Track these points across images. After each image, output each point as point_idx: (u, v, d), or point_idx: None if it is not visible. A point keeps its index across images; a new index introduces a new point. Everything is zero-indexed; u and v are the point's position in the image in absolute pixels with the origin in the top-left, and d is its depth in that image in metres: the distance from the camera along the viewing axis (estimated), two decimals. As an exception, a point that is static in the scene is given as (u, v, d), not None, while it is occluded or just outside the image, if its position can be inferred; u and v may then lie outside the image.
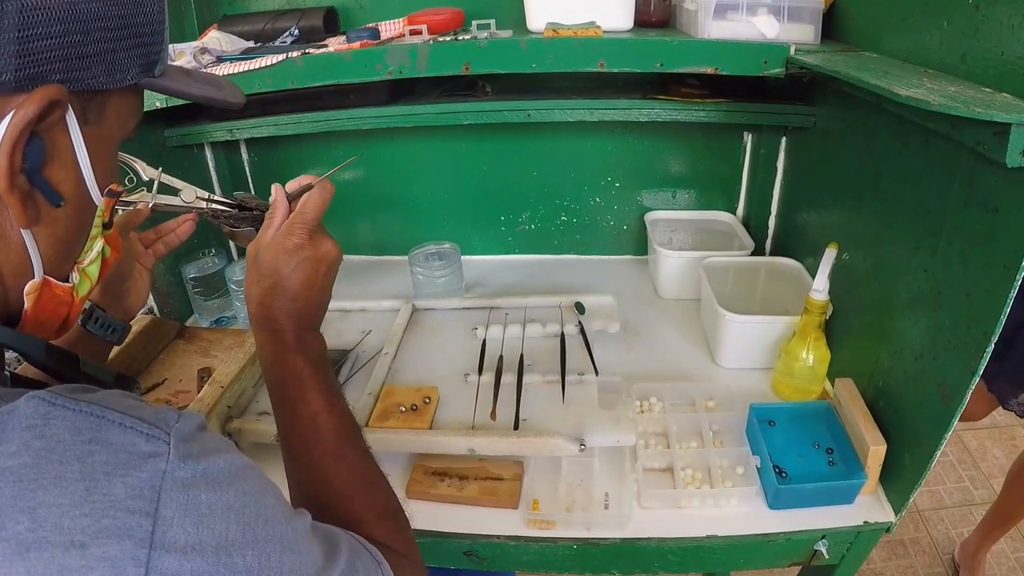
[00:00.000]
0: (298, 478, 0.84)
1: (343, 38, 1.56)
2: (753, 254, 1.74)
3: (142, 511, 0.48)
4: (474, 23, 1.45)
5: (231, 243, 2.02)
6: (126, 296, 1.11)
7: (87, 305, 1.04)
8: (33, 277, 0.60)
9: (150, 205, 0.99)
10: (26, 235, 0.57)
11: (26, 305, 0.61)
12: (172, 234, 1.17)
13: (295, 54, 1.43)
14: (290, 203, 0.93)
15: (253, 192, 1.93)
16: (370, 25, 1.57)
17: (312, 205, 0.90)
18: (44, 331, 0.66)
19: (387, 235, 2.09)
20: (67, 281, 0.66)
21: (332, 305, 1.72)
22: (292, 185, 0.94)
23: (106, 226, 0.69)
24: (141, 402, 0.55)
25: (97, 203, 0.64)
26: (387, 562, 0.70)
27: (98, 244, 0.69)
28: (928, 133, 1.07)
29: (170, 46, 1.52)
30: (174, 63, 0.75)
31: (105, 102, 0.60)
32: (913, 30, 1.17)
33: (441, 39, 1.43)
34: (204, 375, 1.52)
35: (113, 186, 0.66)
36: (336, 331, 1.70)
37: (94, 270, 0.70)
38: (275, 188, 0.93)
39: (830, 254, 1.27)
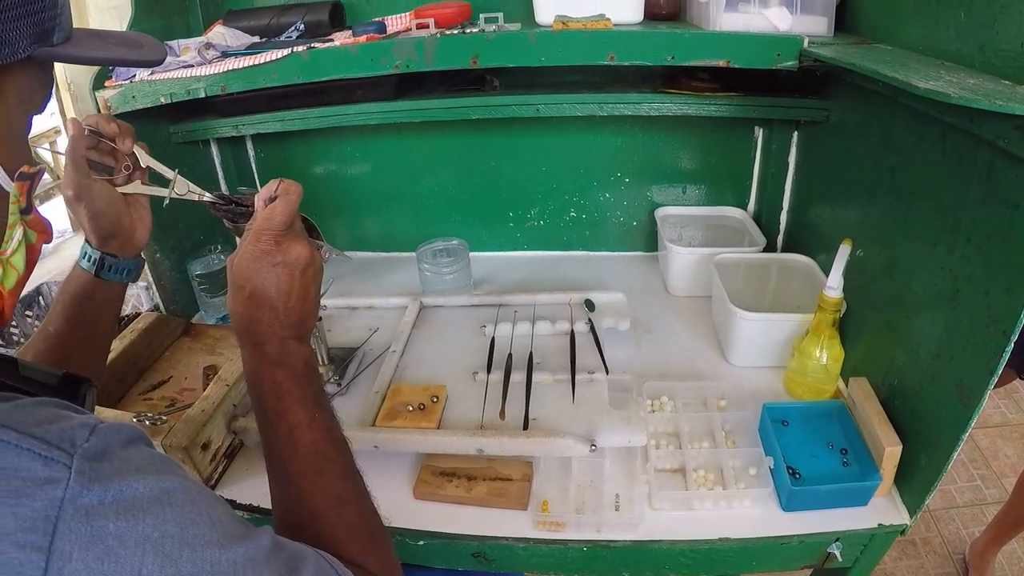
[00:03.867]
0: (276, 495, 0.81)
1: (349, 32, 1.55)
2: (764, 250, 1.72)
3: (33, 545, 0.43)
4: (481, 16, 1.44)
5: (237, 239, 2.01)
6: (133, 232, 1.06)
7: (96, 257, 1.01)
8: None
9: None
10: None
11: None
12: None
13: (300, 48, 1.42)
14: None
15: (258, 184, 1.94)
16: (376, 19, 1.55)
17: (279, 210, 0.86)
18: None
19: (394, 231, 2.08)
20: None
21: (339, 303, 1.76)
22: (264, 193, 0.90)
23: (24, 211, 0.65)
24: (64, 412, 0.51)
25: (7, 188, 0.61)
26: None
27: (18, 232, 0.65)
28: (945, 127, 1.06)
29: (176, 42, 1.54)
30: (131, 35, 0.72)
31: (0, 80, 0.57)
32: (928, 21, 1.16)
33: (448, 32, 1.42)
34: (210, 373, 1.52)
35: (25, 168, 0.63)
36: (343, 328, 1.70)
37: (19, 260, 0.66)
38: (257, 197, 0.91)
39: (844, 250, 1.26)
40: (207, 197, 1.03)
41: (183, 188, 1.03)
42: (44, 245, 0.72)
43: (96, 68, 1.50)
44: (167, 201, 1.03)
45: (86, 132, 0.98)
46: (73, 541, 0.44)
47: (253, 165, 2.00)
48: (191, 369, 1.57)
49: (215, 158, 1.94)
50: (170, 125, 1.71)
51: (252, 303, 0.83)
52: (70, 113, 4.49)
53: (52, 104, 4.36)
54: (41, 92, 0.63)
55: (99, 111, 1.50)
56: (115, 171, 1.01)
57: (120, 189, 1.02)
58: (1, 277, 0.63)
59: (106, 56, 0.70)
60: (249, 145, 1.97)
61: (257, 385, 0.83)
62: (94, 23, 4.88)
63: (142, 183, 1.05)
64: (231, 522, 0.56)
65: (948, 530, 2.54)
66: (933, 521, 2.58)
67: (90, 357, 1.04)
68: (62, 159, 0.95)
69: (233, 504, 1.24)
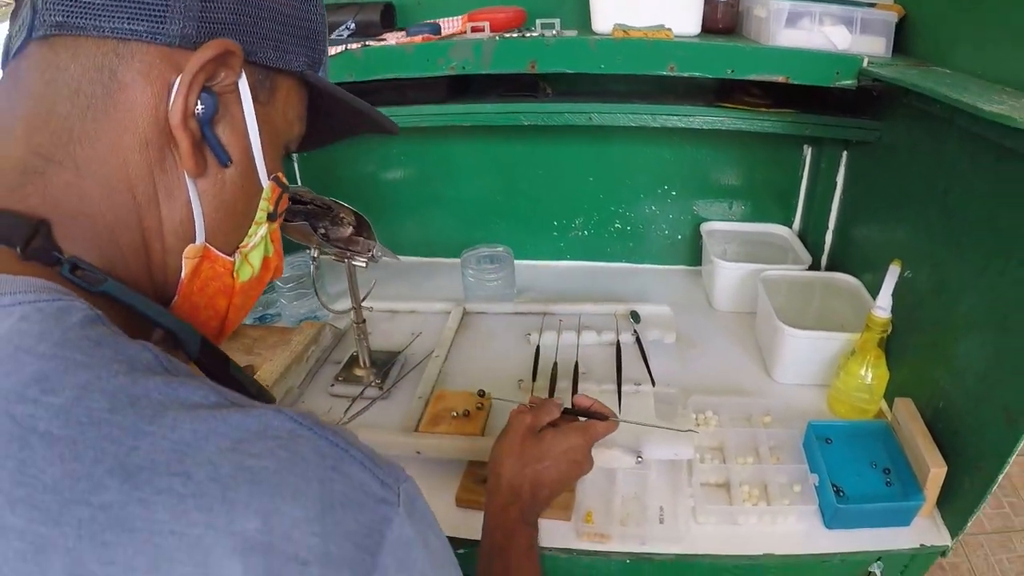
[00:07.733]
0: None
1: (401, 33, 1.58)
2: (808, 268, 1.75)
3: (367, 549, 0.47)
4: (538, 22, 1.47)
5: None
6: None
7: None
8: (195, 241, 0.60)
9: None
10: (191, 188, 0.58)
11: (183, 272, 0.61)
12: None
13: (354, 46, 1.46)
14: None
15: (300, 183, 1.97)
16: (430, 21, 1.59)
17: (601, 429, 1.15)
18: (197, 323, 0.64)
19: (436, 236, 2.11)
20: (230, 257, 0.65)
21: (381, 306, 1.78)
22: (584, 400, 1.21)
23: (271, 217, 0.69)
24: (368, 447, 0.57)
25: (263, 184, 0.65)
26: None
27: (262, 229, 0.68)
28: (1002, 151, 1.07)
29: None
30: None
31: (275, 86, 0.63)
32: (990, 47, 1.18)
33: (507, 35, 1.45)
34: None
35: (280, 175, 0.68)
36: (384, 332, 1.73)
37: (256, 258, 0.69)
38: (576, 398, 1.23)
39: (894, 271, 1.28)
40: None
41: None
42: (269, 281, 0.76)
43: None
44: None
45: None
46: (392, 559, 0.48)
47: (295, 164, 2.04)
48: (227, 366, 1.59)
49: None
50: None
51: (548, 475, 1.09)
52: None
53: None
54: (299, 122, 0.69)
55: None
56: None
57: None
58: (238, 267, 0.66)
59: (360, 105, 0.75)
60: (290, 143, 1.98)
61: (526, 558, 1.04)
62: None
63: None
64: None
65: (976, 556, 2.58)
66: (962, 547, 2.60)
67: None
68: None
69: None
